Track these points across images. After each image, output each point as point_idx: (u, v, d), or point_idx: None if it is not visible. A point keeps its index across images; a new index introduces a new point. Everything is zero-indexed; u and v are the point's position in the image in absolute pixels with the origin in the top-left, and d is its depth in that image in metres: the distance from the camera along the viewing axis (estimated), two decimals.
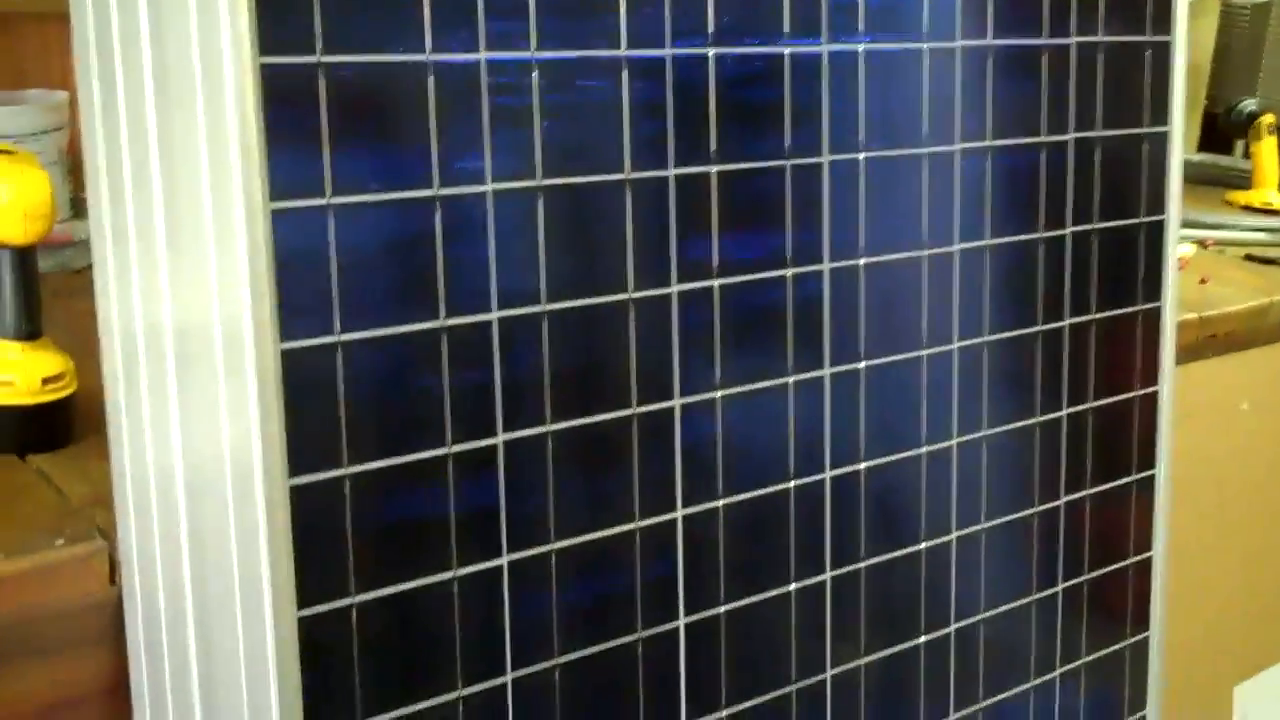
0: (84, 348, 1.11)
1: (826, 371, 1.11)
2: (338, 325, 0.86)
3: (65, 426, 1.16)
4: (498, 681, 0.94)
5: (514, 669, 0.95)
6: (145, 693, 1.01)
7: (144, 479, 0.98)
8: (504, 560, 0.94)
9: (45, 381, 1.14)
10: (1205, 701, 1.97)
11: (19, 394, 1.13)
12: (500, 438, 0.93)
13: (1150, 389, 1.36)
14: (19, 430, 1.14)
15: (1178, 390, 1.39)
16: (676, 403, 1.02)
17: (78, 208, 1.68)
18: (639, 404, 1.00)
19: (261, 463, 0.85)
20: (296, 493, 0.85)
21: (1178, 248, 1.37)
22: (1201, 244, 2.16)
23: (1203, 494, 1.83)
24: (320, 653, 0.86)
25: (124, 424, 1.00)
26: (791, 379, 1.09)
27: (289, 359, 0.84)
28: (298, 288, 0.84)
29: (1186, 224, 2.11)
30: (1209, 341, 1.81)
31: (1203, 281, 1.92)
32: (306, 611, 0.85)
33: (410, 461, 0.89)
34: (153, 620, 0.98)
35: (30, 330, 1.14)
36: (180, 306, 0.91)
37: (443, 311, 0.89)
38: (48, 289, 1.20)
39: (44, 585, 1.00)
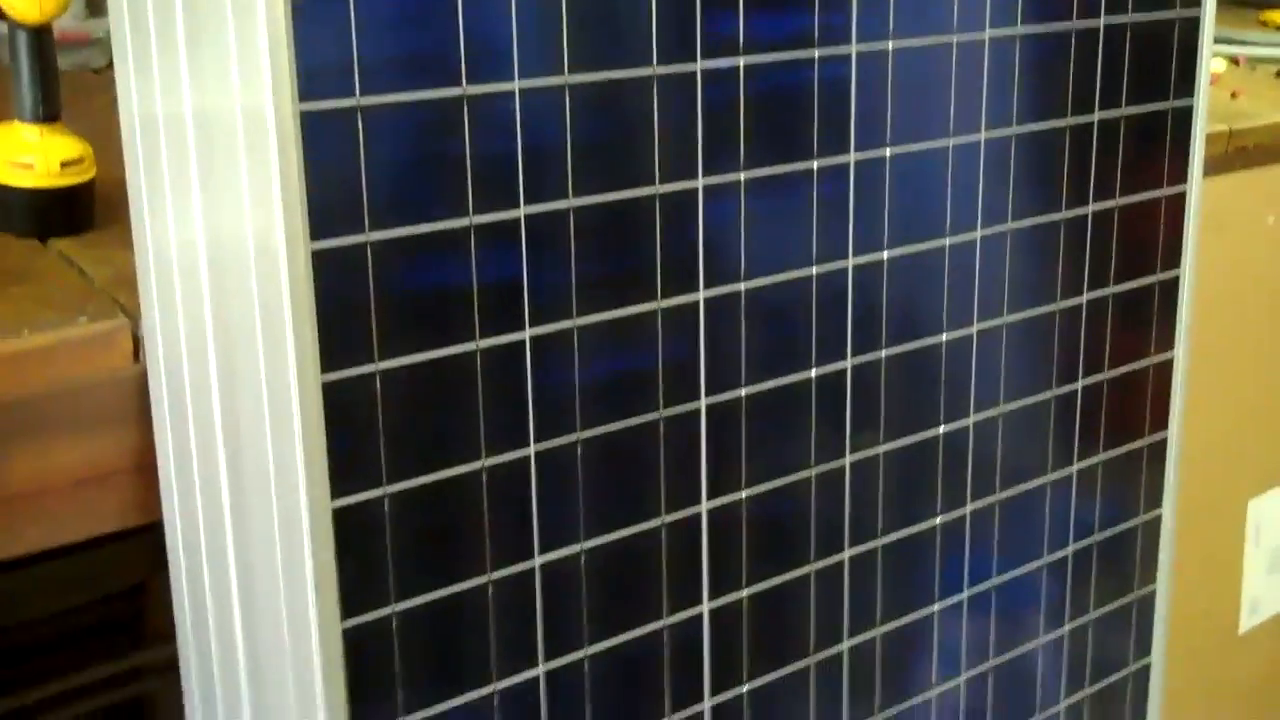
0: (105, 140, 1.10)
1: (851, 158, 1.09)
2: (357, 90, 0.85)
3: (86, 211, 1.16)
4: (520, 454, 0.95)
5: (536, 441, 0.95)
6: (171, 464, 1.02)
7: (166, 256, 0.98)
8: (526, 334, 0.94)
9: (64, 165, 1.13)
10: (1219, 515, 1.99)
11: (38, 177, 1.13)
12: (522, 210, 0.92)
13: (1178, 189, 1.34)
14: (40, 213, 1.14)
15: (1205, 202, 1.37)
16: (700, 183, 1.01)
17: (94, 5, 1.66)
18: (661, 182, 0.99)
19: (284, 232, 0.84)
20: (319, 259, 0.85)
21: (1210, 61, 1.35)
22: (1234, 60, 2.12)
23: (1225, 306, 1.82)
24: (344, 416, 0.86)
25: (145, 205, 1.00)
26: (816, 163, 1.07)
27: (308, 129, 0.83)
28: (316, 59, 0.83)
29: (1219, 40, 2.07)
30: (1238, 154, 1.79)
31: (1234, 96, 1.89)
32: (330, 376, 0.86)
33: (431, 231, 0.89)
34: (177, 394, 0.99)
35: (48, 112, 1.13)
36: (200, 92, 0.90)
37: (464, 79, 0.88)
38: (67, 87, 1.18)
39: (69, 360, 1.00)
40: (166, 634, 1.27)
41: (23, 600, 1.46)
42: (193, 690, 1.13)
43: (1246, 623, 2.06)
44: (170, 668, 1.33)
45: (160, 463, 1.03)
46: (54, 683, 1.49)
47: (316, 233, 0.84)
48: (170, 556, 1.11)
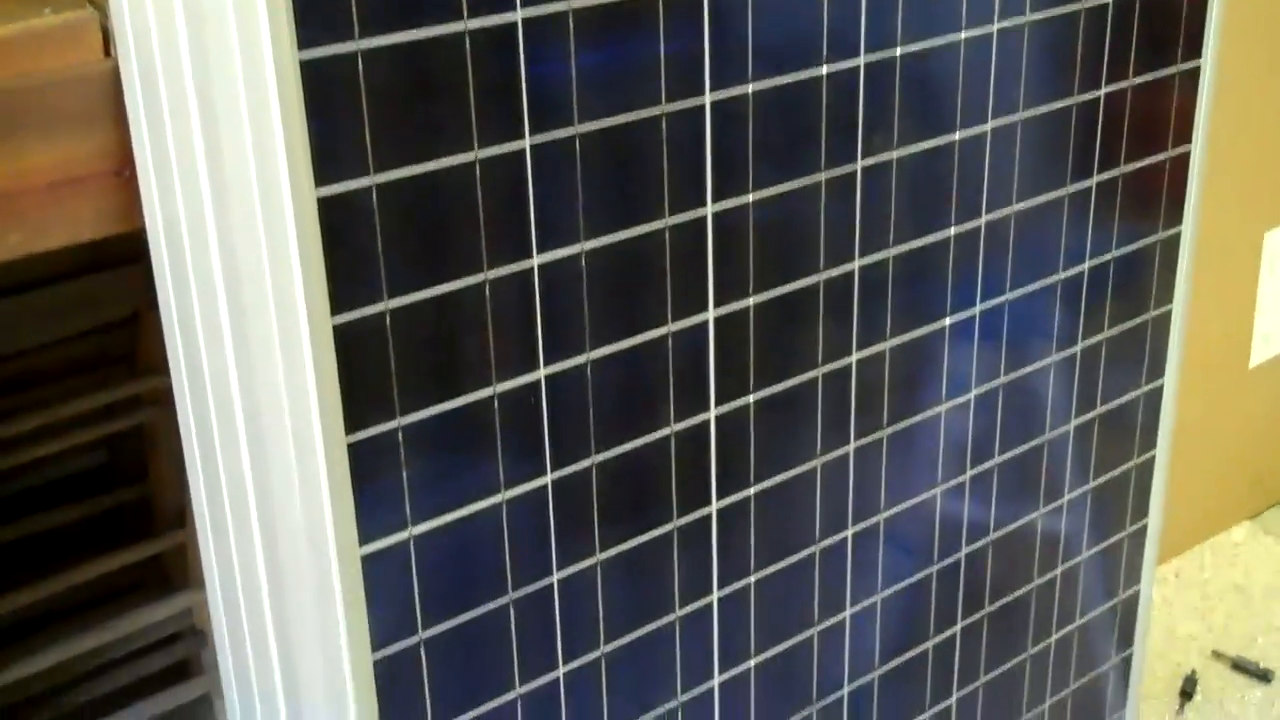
0: None
1: None
2: None
3: None
4: (515, 146, 0.90)
5: (532, 134, 0.90)
6: (150, 167, 0.97)
7: None
8: (518, 16, 0.88)
9: None
10: (1236, 246, 1.95)
11: None
12: None
13: None
14: None
15: None
16: None
17: None
18: None
19: None
20: None
21: None
22: None
23: (1248, 82, 1.75)
24: (325, 98, 0.81)
25: None
26: None
27: None
28: None
29: None
30: None
31: None
32: (308, 54, 0.80)
33: None
34: (151, 91, 0.94)
35: None
36: None
37: None
38: None
39: (35, 54, 0.95)
40: (162, 365, 1.25)
41: (20, 327, 1.44)
42: (188, 419, 1.10)
43: (1258, 356, 2.03)
44: (168, 399, 1.31)
45: (139, 167, 0.99)
46: (54, 408, 1.48)
47: None
48: (158, 285, 1.07)
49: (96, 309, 1.48)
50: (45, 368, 1.54)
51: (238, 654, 1.16)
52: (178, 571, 1.67)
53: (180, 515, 1.65)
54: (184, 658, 1.69)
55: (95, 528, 1.68)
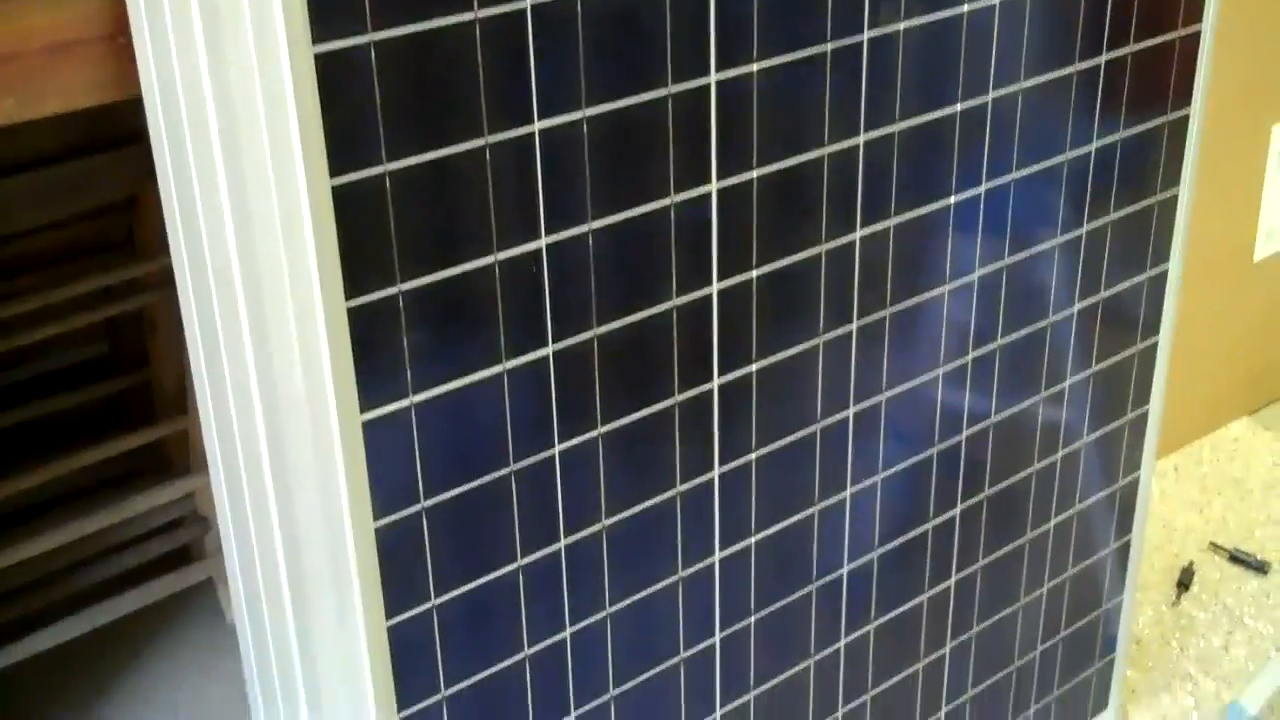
0: None
1: None
2: None
3: None
4: (517, 6, 0.88)
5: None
6: (147, 38, 0.96)
7: None
8: None
9: None
10: (1242, 138, 1.93)
11: None
12: None
13: None
14: None
15: None
16: None
17: None
18: None
19: None
20: None
21: None
22: None
23: None
24: None
25: None
26: None
27: None
28: None
29: None
30: None
31: None
32: None
33: None
34: None
35: None
36: None
37: None
38: None
39: None
40: (161, 249, 1.24)
41: (17, 209, 1.43)
42: (189, 298, 1.10)
43: (1262, 250, 2.03)
44: (167, 283, 1.31)
45: (134, 31, 0.97)
46: (54, 291, 1.48)
47: None
48: (156, 158, 1.06)
49: (93, 191, 1.47)
50: (44, 251, 1.54)
51: (241, 536, 1.17)
52: (180, 457, 1.68)
53: (182, 401, 1.65)
54: (187, 543, 1.70)
55: (98, 415, 1.69)
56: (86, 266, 1.52)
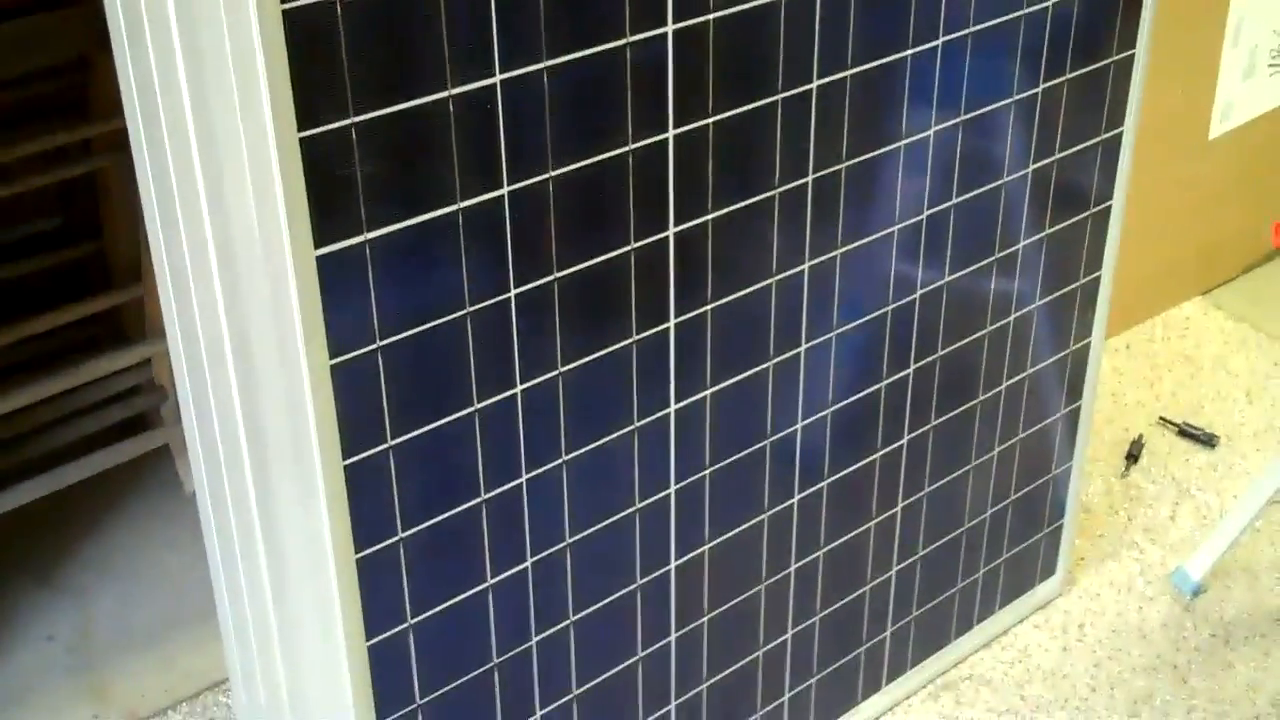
0: None
1: None
2: None
3: None
4: None
5: None
6: None
7: None
8: None
9: None
10: (1200, 18, 1.93)
11: None
12: None
13: None
14: None
15: None
16: None
17: None
18: None
19: None
20: None
21: None
22: None
23: None
24: None
25: None
26: None
27: None
28: None
29: None
30: None
31: None
32: None
33: None
34: None
35: None
36: None
37: None
38: None
39: None
40: (114, 110, 1.23)
41: None
42: (145, 164, 1.08)
43: (1217, 129, 2.04)
44: (120, 147, 1.29)
45: None
46: (6, 150, 1.46)
47: None
48: (110, 21, 1.04)
49: (44, 50, 1.45)
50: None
51: (200, 402, 1.17)
52: (136, 325, 1.67)
53: (137, 269, 1.64)
54: (144, 411, 1.70)
55: (53, 286, 1.68)
56: (39, 129, 1.51)
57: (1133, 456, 1.92)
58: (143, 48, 1.00)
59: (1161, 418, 2.00)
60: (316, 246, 0.92)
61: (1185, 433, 1.97)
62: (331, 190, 0.91)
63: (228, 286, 1.03)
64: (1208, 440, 1.96)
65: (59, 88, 1.54)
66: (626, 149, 1.04)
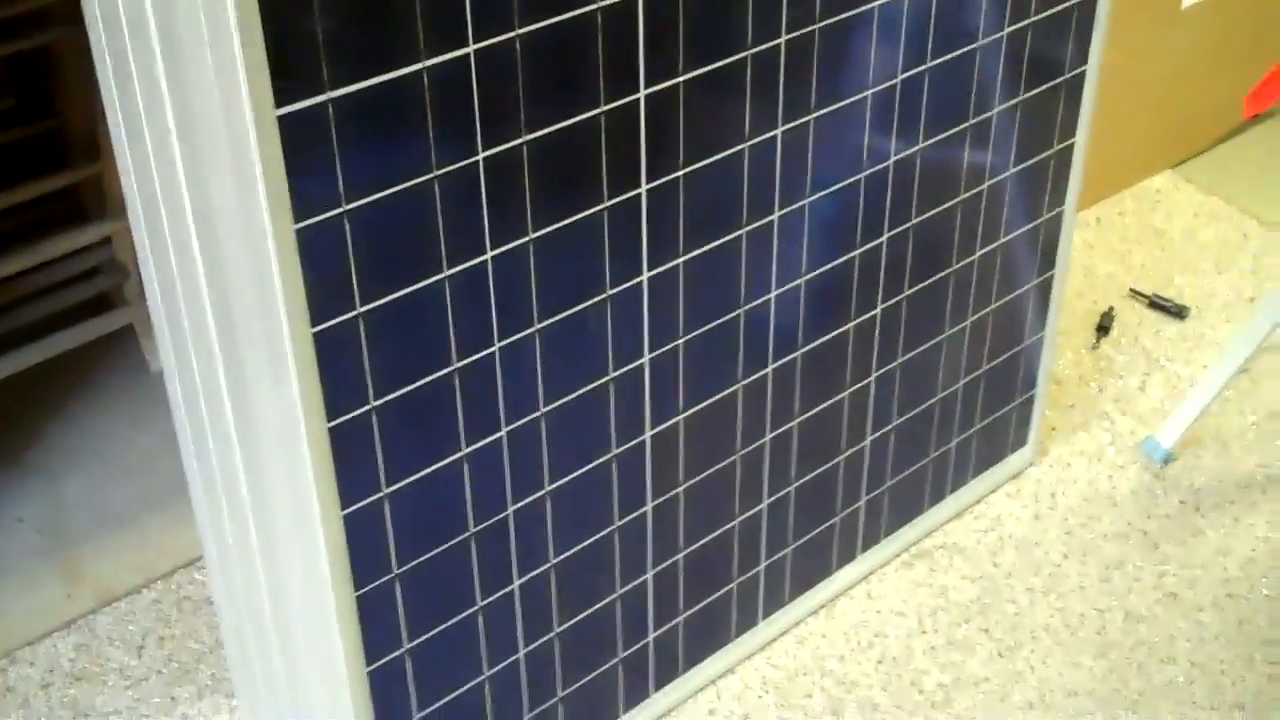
0: None
1: None
2: None
3: None
4: None
5: None
6: None
7: None
8: None
9: None
10: None
11: None
12: None
13: None
14: None
15: None
16: None
17: None
18: None
19: None
20: None
21: None
22: None
23: None
24: None
25: None
26: None
27: None
28: None
29: None
30: None
31: None
32: None
33: None
34: None
35: None
36: None
37: None
38: None
39: None
40: None
41: None
42: (98, 28, 1.05)
43: None
44: (73, 18, 1.25)
45: None
46: None
47: None
48: None
49: None
50: None
51: (164, 279, 1.14)
52: (95, 204, 1.64)
53: (94, 147, 1.60)
54: (106, 290, 1.68)
55: (8, 166, 1.64)
56: None
57: (1103, 328, 1.93)
58: None
59: (1132, 289, 1.99)
60: (277, 106, 0.89)
61: (1155, 304, 1.97)
62: (291, 47, 0.88)
63: (188, 155, 1.00)
64: (1178, 312, 1.96)
65: None
66: (595, 5, 1.02)
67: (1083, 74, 1.46)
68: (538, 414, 1.16)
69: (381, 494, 1.08)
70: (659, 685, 1.44)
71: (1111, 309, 1.95)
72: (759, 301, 1.28)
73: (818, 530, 1.50)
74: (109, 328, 1.65)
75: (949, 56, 1.31)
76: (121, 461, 1.66)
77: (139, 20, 0.97)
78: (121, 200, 1.17)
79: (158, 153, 1.04)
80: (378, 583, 1.12)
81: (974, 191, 1.43)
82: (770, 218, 1.24)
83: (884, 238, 1.36)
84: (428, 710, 1.22)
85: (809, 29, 1.17)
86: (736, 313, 1.27)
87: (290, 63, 0.88)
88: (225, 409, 1.13)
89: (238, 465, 1.15)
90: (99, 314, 1.65)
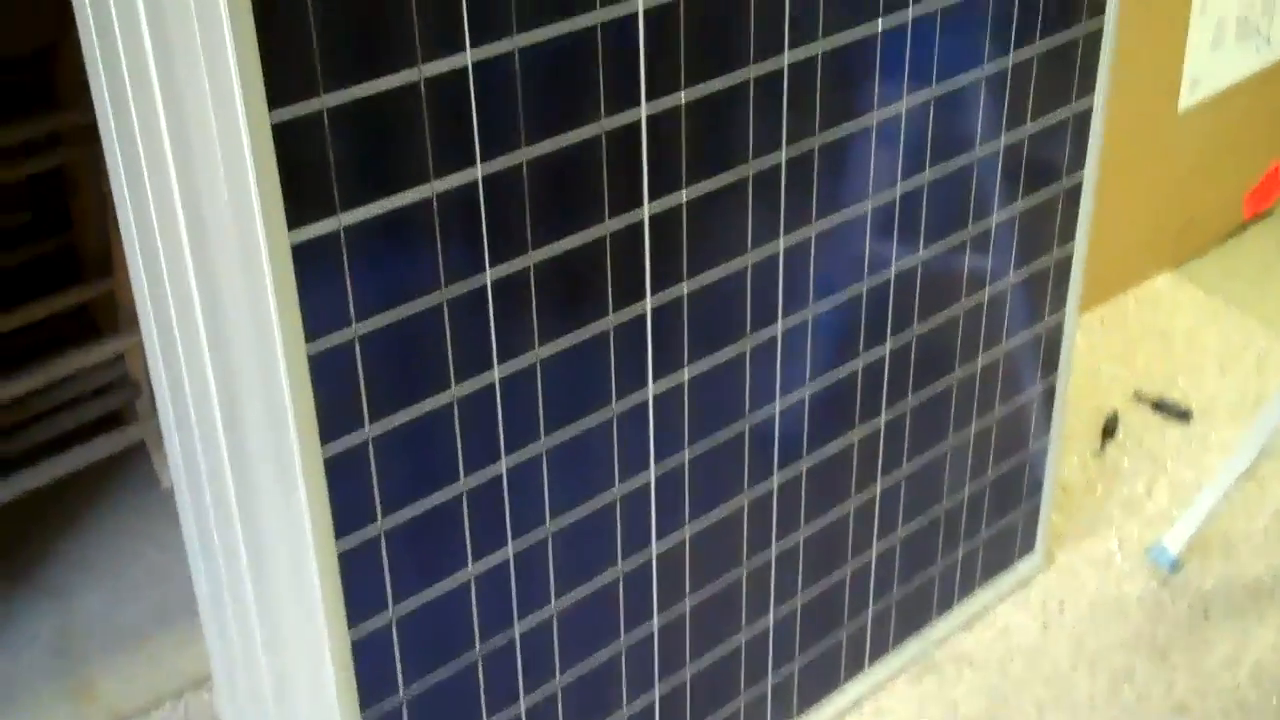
0: None
1: None
2: None
3: None
4: None
5: None
6: None
7: None
8: None
9: None
10: None
11: None
12: None
13: None
14: None
15: None
16: None
17: None
18: None
19: None
20: None
21: None
22: None
23: None
24: None
25: None
26: None
27: None
28: None
29: None
30: None
31: None
32: None
33: None
34: None
35: None
36: None
37: None
38: None
39: None
40: (82, 99, 1.21)
41: None
42: (114, 146, 1.07)
43: (1186, 100, 2.04)
44: (88, 138, 1.28)
45: None
46: None
47: None
48: (77, 15, 1.04)
49: (8, 39, 1.44)
50: None
51: (176, 395, 1.16)
52: (107, 320, 1.66)
53: (107, 263, 1.63)
54: (118, 407, 1.69)
55: (22, 282, 1.66)
56: (5, 121, 1.49)
57: (1109, 432, 1.93)
58: (111, 36, 0.99)
59: (1136, 392, 2.00)
60: (290, 230, 0.91)
61: (1160, 407, 1.98)
62: (304, 173, 0.90)
63: (202, 276, 1.02)
64: (1182, 415, 1.97)
65: (26, 76, 1.52)
66: (600, 128, 1.04)
67: (1080, 179, 1.48)
68: (544, 532, 1.16)
69: (389, 614, 1.08)
70: None
71: (1116, 412, 1.96)
72: (763, 412, 1.29)
73: (825, 643, 1.50)
74: (122, 444, 1.66)
75: (948, 166, 1.33)
76: (133, 578, 1.66)
77: (155, 143, 0.99)
78: (133, 315, 1.18)
79: (171, 270, 1.06)
80: (384, 704, 1.11)
81: (975, 298, 1.44)
82: (774, 330, 1.26)
83: (887, 347, 1.37)
84: None
85: (809, 145, 1.19)
86: (741, 424, 1.27)
87: (303, 189, 0.90)
88: (235, 527, 1.13)
89: (246, 583, 1.15)
90: (110, 430, 1.66)
